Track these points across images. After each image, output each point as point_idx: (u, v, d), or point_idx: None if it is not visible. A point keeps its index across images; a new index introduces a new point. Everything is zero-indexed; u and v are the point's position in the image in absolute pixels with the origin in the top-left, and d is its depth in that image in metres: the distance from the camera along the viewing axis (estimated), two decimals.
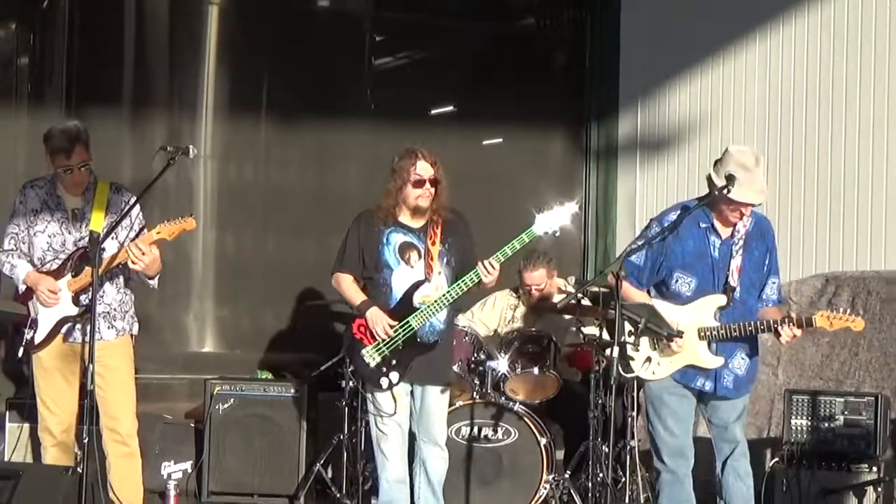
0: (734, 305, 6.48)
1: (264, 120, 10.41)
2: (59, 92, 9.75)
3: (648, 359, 6.52)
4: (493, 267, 6.70)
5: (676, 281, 6.54)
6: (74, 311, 6.81)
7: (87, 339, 6.53)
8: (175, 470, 8.48)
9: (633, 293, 6.57)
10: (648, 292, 6.66)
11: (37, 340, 6.87)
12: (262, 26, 10.31)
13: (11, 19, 9.91)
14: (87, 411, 6.21)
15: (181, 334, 10.07)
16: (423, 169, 6.99)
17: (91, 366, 6.24)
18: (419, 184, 6.97)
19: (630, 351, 6.49)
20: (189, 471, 8.54)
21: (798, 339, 6.47)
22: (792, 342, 6.51)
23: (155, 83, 10.16)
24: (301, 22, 10.47)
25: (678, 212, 6.57)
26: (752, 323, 6.40)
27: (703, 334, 6.44)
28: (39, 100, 9.79)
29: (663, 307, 6.53)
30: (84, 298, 6.75)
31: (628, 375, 6.58)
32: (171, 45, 10.27)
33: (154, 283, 6.94)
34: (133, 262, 6.61)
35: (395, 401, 7.04)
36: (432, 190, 6.99)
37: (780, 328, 6.31)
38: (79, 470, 6.14)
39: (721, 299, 6.48)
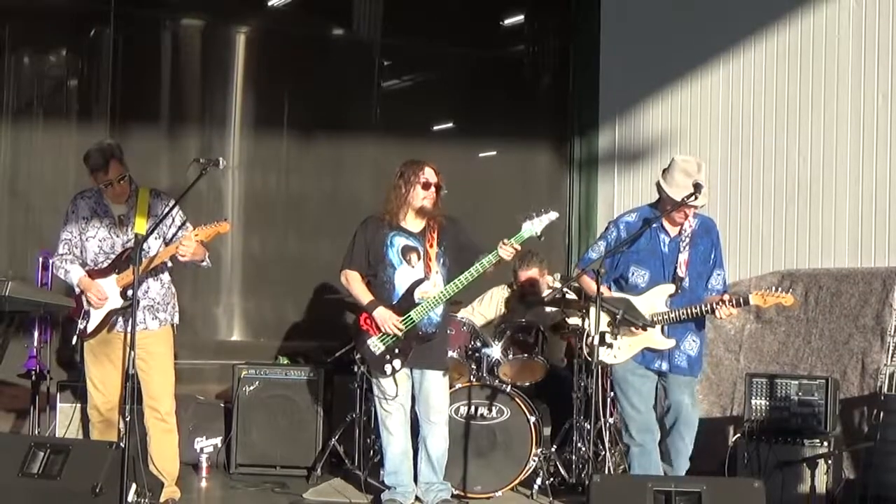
0: (683, 293, 6.64)
1: (285, 135, 10.39)
2: (105, 110, 9.73)
3: (610, 344, 6.56)
4: (513, 247, 6.77)
5: (633, 274, 6.70)
6: (122, 303, 6.82)
7: (134, 328, 6.53)
8: (207, 445, 8.46)
9: (593, 288, 6.61)
10: (609, 287, 6.73)
11: (89, 330, 6.91)
12: (284, 52, 10.29)
13: (62, 46, 9.88)
14: (130, 392, 6.19)
15: (212, 324, 10.05)
16: (430, 174, 7.06)
17: (132, 352, 6.22)
18: (427, 186, 7.01)
19: (609, 338, 6.50)
20: (219, 445, 8.52)
21: (734, 316, 6.77)
22: (729, 319, 6.86)
23: (189, 102, 10.14)
24: (318, 48, 10.46)
25: (633, 214, 6.77)
26: (697, 306, 6.55)
27: (656, 319, 6.59)
28: (87, 117, 9.76)
29: None
30: (130, 293, 6.75)
31: (594, 361, 6.62)
32: (203, 69, 10.25)
33: (206, 263, 7.02)
34: (182, 255, 6.71)
35: (396, 385, 7.04)
36: (436, 194, 7.01)
37: (717, 308, 6.45)
38: (122, 445, 6.10)
39: (670, 288, 6.63)
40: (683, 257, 6.61)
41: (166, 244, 6.88)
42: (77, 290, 6.94)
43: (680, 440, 6.72)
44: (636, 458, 6.75)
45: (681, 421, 6.70)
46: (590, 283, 6.63)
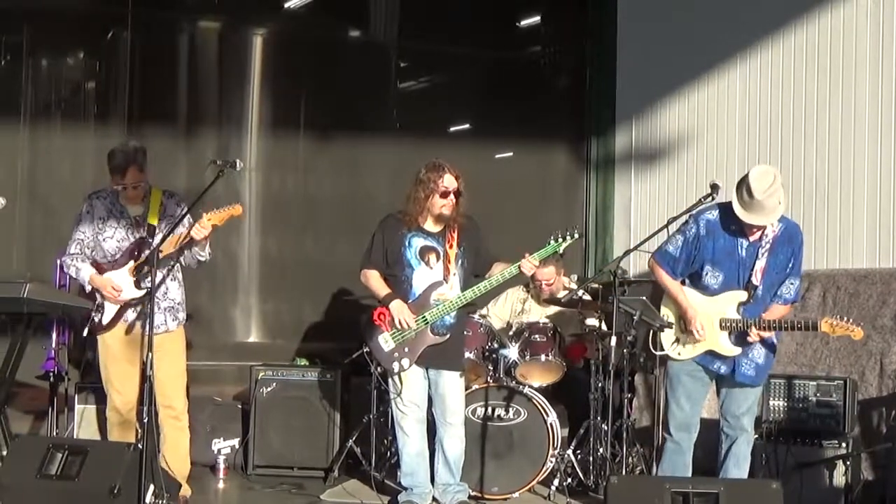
0: (755, 302, 6.44)
1: (302, 136, 10.41)
2: (122, 112, 9.77)
3: (677, 340, 6.53)
4: (535, 262, 6.83)
5: (706, 274, 6.49)
6: (136, 293, 6.85)
7: (156, 331, 6.62)
8: (224, 446, 8.44)
9: (667, 281, 6.56)
10: (683, 282, 6.60)
11: (103, 322, 6.93)
12: (301, 54, 10.32)
13: (80, 49, 9.93)
14: (147, 394, 6.20)
15: (229, 326, 10.06)
16: (450, 181, 7.03)
17: (150, 353, 6.23)
18: (445, 195, 7.00)
19: (675, 333, 6.52)
20: (237, 447, 8.51)
21: (762, 337, 6.41)
22: (754, 341, 6.42)
23: (206, 104, 10.17)
24: (334, 50, 10.47)
25: (714, 211, 6.48)
26: (762, 320, 6.34)
27: (724, 325, 6.43)
28: (104, 119, 9.81)
29: (694, 296, 6.52)
30: (144, 283, 6.79)
31: (658, 353, 6.63)
32: (220, 71, 10.28)
33: (205, 254, 6.99)
34: (196, 234, 6.69)
35: (401, 383, 7.06)
36: (455, 201, 7.00)
37: (749, 333, 6.33)
38: (139, 446, 6.12)
39: (742, 295, 6.44)
40: (760, 264, 6.40)
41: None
42: (88, 288, 6.96)
43: (735, 464, 6.60)
44: (668, 454, 6.65)
45: (731, 456, 6.57)
46: (662, 275, 6.55)
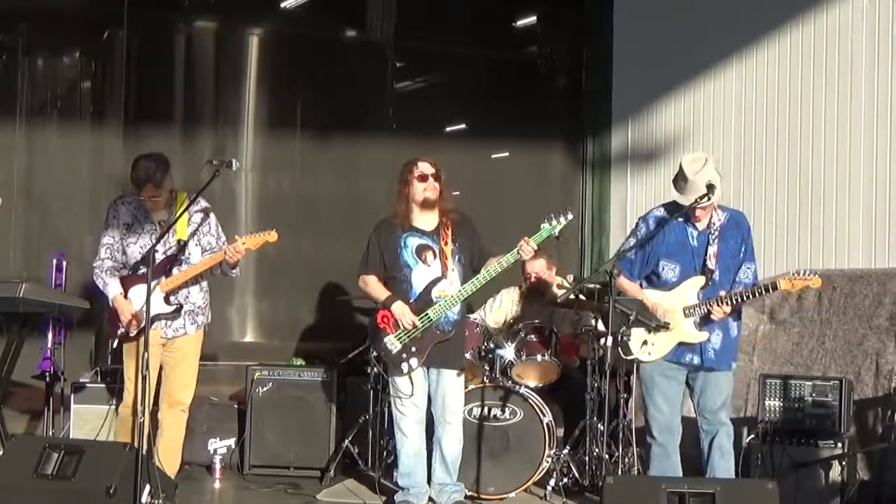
0: (713, 286, 6.61)
1: (299, 136, 10.40)
2: (118, 111, 9.76)
3: (645, 342, 6.62)
4: (534, 247, 6.77)
5: (663, 269, 6.68)
6: (165, 309, 6.86)
7: (175, 333, 6.91)
8: (220, 446, 8.44)
9: (627, 285, 6.73)
10: (641, 284, 6.74)
11: (130, 334, 6.89)
12: (297, 53, 10.31)
13: (76, 48, 9.91)
14: (141, 395, 6.19)
15: (225, 326, 10.03)
16: (425, 167, 7.14)
17: (146, 354, 6.22)
18: (423, 178, 7.07)
19: (643, 335, 6.63)
20: (233, 446, 8.51)
21: (726, 316, 6.54)
22: (720, 318, 6.53)
23: (202, 103, 10.16)
24: (331, 49, 10.47)
25: (661, 208, 6.73)
26: (720, 296, 6.50)
27: (688, 312, 6.59)
28: (101, 119, 9.78)
29: (654, 294, 6.67)
30: (173, 299, 6.88)
31: (628, 358, 6.72)
32: (217, 70, 10.27)
33: (236, 272, 7.12)
34: (230, 258, 6.82)
35: (412, 384, 7.06)
36: (436, 184, 7.03)
37: (712, 308, 6.47)
38: (135, 446, 6.12)
39: (701, 281, 6.62)
40: (713, 250, 6.59)
41: (202, 248, 6.93)
42: (112, 305, 6.95)
43: (720, 457, 6.68)
44: (656, 459, 6.73)
45: (715, 449, 6.65)
46: (622, 280, 6.66)
